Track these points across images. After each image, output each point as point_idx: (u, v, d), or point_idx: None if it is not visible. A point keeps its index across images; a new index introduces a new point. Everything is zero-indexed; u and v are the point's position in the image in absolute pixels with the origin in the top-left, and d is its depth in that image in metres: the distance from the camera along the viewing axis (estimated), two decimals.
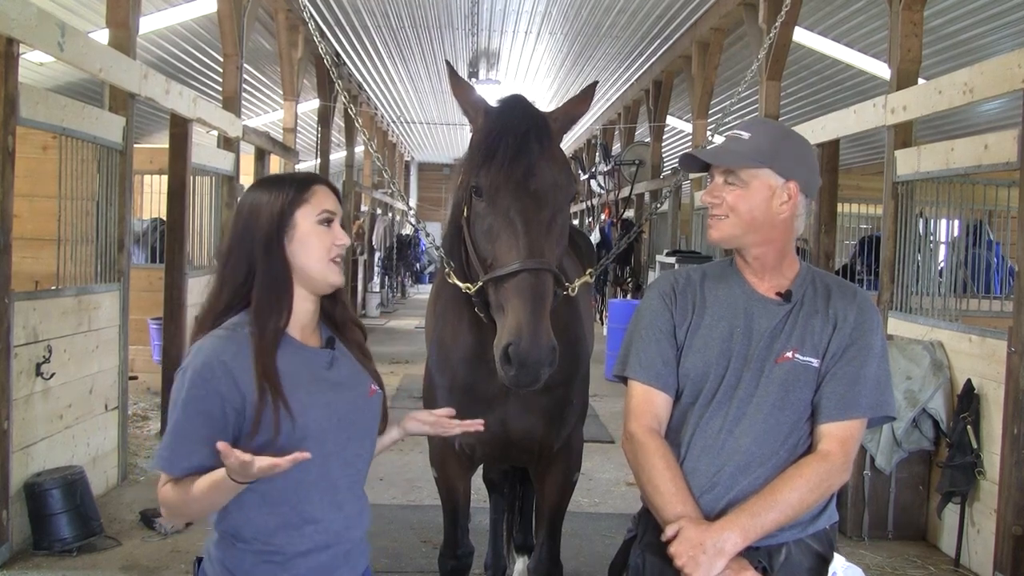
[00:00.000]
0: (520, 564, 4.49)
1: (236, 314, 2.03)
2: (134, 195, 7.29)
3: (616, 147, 18.71)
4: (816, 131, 7.07)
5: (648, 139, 15.55)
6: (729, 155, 2.20)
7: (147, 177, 9.14)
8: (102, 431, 5.87)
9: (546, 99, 17.16)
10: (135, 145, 6.46)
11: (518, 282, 2.45)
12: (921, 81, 6.17)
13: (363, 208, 19.44)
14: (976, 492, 4.99)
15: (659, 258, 12.04)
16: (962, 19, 9.35)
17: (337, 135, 18.14)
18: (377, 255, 20.40)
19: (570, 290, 2.85)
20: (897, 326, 5.90)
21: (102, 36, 6.52)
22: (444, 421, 2.37)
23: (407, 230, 25.30)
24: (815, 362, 2.17)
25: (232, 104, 8.96)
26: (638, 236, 14.96)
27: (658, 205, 6.64)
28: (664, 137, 16.15)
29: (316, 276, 2.04)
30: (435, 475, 3.44)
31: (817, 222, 7.24)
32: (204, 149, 8.12)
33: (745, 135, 2.21)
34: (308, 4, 10.98)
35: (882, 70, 10.19)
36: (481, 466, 3.85)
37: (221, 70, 9.63)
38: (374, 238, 19.84)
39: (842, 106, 7.63)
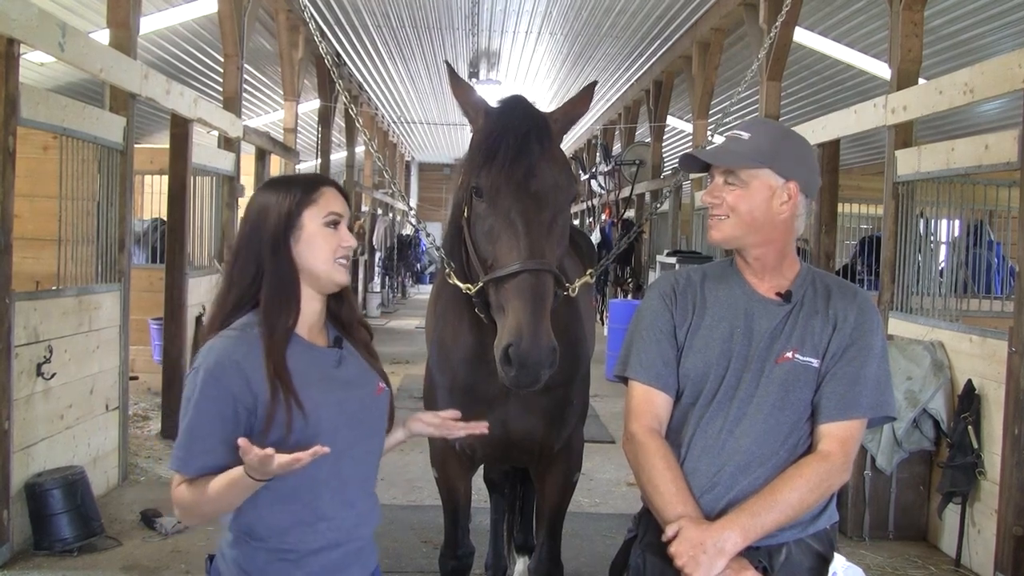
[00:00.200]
0: (521, 564, 4.49)
1: (245, 314, 2.05)
2: (135, 195, 7.29)
3: (617, 147, 18.71)
4: (816, 131, 7.07)
5: (648, 139, 15.55)
6: (729, 155, 2.20)
7: (148, 177, 9.14)
8: (103, 431, 5.88)
9: (546, 99, 17.16)
10: (136, 145, 6.47)
11: (518, 283, 2.45)
12: (921, 81, 6.17)
13: (364, 208, 19.45)
14: (977, 492, 4.99)
15: (660, 258, 12.04)
16: (963, 19, 9.35)
17: (338, 135, 18.14)
18: (378, 255, 20.40)
19: (571, 290, 2.84)
20: (898, 326, 5.90)
21: (103, 36, 6.53)
22: (449, 423, 2.37)
23: (408, 230, 25.31)
24: (815, 362, 2.17)
25: (233, 104, 8.96)
26: (639, 236, 14.96)
27: (658, 205, 6.64)
28: (664, 137, 16.15)
29: (322, 276, 2.06)
30: (436, 475, 3.44)
31: (817, 222, 7.23)
32: (205, 149, 8.13)
33: (745, 135, 2.21)
34: (308, 4, 10.99)
35: (882, 70, 10.19)
36: (482, 466, 3.85)
37: (222, 70, 9.63)
38: (375, 238, 19.85)
39: (842, 106, 7.63)
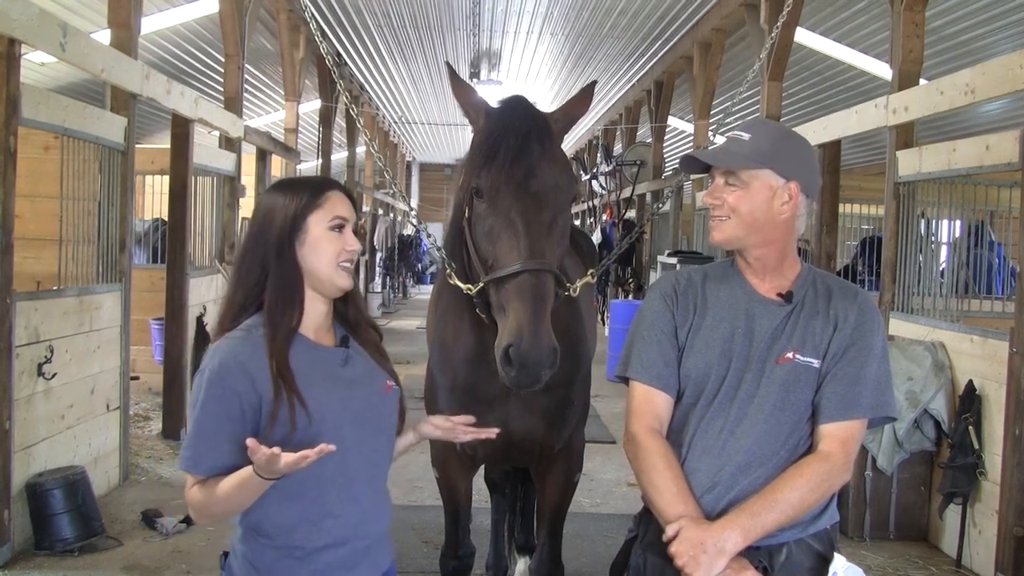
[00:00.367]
0: (521, 564, 4.49)
1: (252, 316, 2.08)
2: (135, 195, 7.30)
3: (618, 147, 18.72)
4: (818, 132, 7.07)
5: (649, 140, 15.55)
6: (729, 156, 2.20)
7: (149, 177, 9.14)
8: (103, 431, 5.88)
9: (547, 100, 17.16)
10: (136, 145, 6.47)
11: (519, 283, 2.45)
12: (923, 82, 6.17)
13: (365, 209, 19.45)
14: (977, 493, 4.99)
15: (660, 259, 12.04)
16: (964, 20, 9.34)
17: (338, 135, 18.15)
18: (379, 255, 20.40)
19: (572, 290, 2.84)
20: (898, 327, 5.89)
21: (104, 36, 6.52)
22: (458, 427, 2.37)
23: (408, 231, 25.31)
24: (816, 363, 2.17)
25: (234, 104, 8.96)
26: (639, 236, 14.96)
27: (659, 206, 6.65)
28: (665, 138, 16.16)
29: (325, 280, 2.08)
30: (436, 475, 3.44)
31: (819, 223, 7.23)
32: (205, 149, 8.13)
33: (745, 136, 2.21)
34: (309, 4, 11.00)
35: (884, 71, 10.18)
36: (482, 467, 3.85)
37: (223, 70, 9.64)
38: (375, 239, 19.84)
39: (844, 107, 7.63)
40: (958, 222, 7.38)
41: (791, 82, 12.19)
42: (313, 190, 2.10)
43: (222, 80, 10.07)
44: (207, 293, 8.07)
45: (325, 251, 2.06)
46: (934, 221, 6.53)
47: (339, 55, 14.40)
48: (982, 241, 8.06)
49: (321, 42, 5.21)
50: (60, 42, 4.94)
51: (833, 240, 7.33)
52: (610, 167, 16.81)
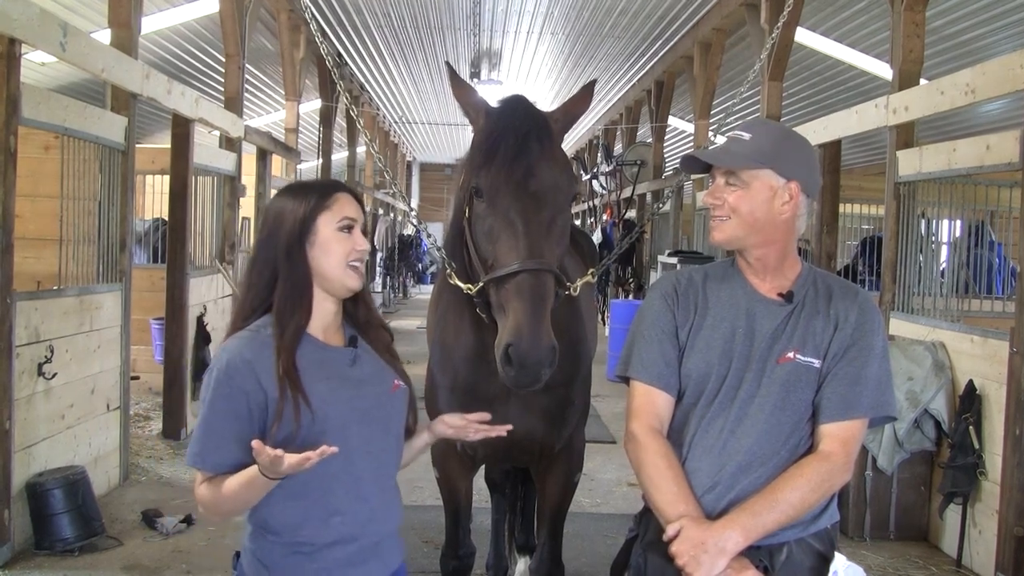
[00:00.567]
0: (522, 564, 4.49)
1: (261, 317, 2.12)
2: (136, 195, 7.30)
3: (618, 147, 18.71)
4: (818, 131, 7.07)
5: (650, 139, 15.55)
6: (730, 156, 2.20)
7: (149, 177, 9.14)
8: (104, 431, 5.88)
9: (548, 99, 17.16)
10: (137, 145, 6.47)
11: (518, 283, 2.45)
12: (923, 82, 6.17)
13: (365, 208, 19.44)
14: (978, 493, 4.99)
15: (661, 259, 12.04)
16: (964, 20, 9.34)
17: (339, 135, 18.15)
18: (379, 255, 20.39)
19: (572, 290, 2.84)
20: (899, 327, 5.89)
21: (104, 36, 6.53)
22: (472, 426, 2.38)
23: (409, 230, 25.31)
24: (816, 363, 2.17)
25: (234, 104, 8.96)
26: (640, 236, 14.96)
27: (660, 206, 6.65)
28: (666, 137, 16.16)
29: (335, 280, 2.12)
30: (437, 475, 3.44)
31: (819, 222, 7.23)
32: (206, 149, 8.13)
33: (746, 136, 2.21)
34: (310, 4, 10.99)
35: (884, 71, 10.18)
36: (483, 466, 3.85)
37: (223, 70, 9.63)
38: (376, 239, 19.84)
39: (844, 107, 7.62)
40: (958, 222, 7.37)
41: (791, 82, 12.19)
42: (321, 193, 2.14)
43: (222, 80, 10.07)
44: (207, 293, 8.06)
45: (335, 252, 2.10)
46: (934, 221, 6.53)
47: (339, 55, 14.40)
48: (982, 241, 8.06)
49: (321, 42, 5.21)
50: (60, 42, 4.94)
51: (833, 240, 7.33)
52: (610, 167, 16.81)
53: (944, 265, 7.18)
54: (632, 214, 15.96)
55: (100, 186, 5.91)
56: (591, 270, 3.28)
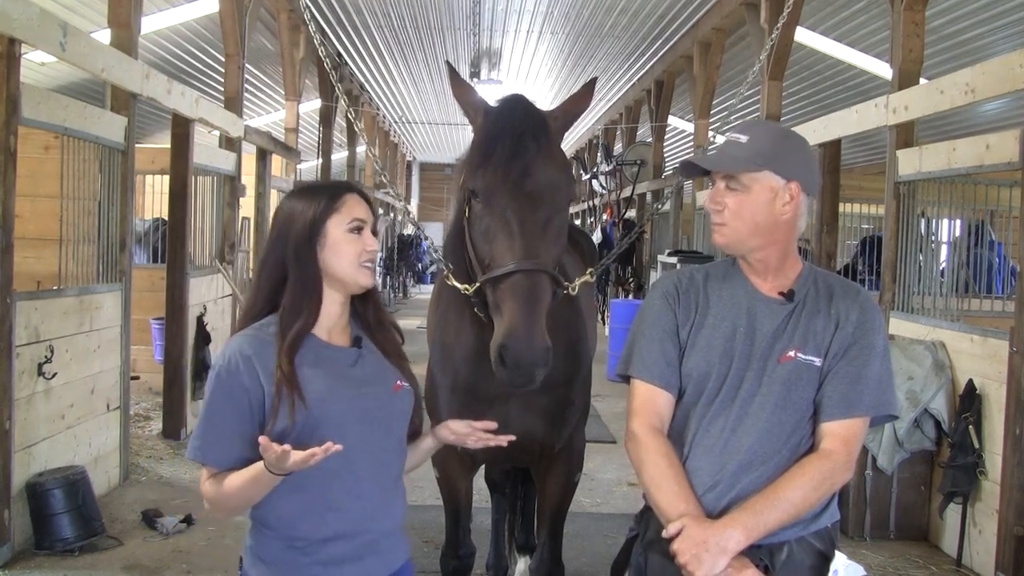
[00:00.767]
0: (522, 564, 4.49)
1: (267, 316, 2.15)
2: (136, 195, 7.30)
3: (618, 147, 18.71)
4: (818, 131, 7.07)
5: (650, 139, 15.55)
6: (728, 160, 2.19)
7: (149, 177, 9.14)
8: (104, 431, 5.88)
9: (548, 99, 17.15)
10: (137, 145, 6.47)
11: (512, 283, 2.45)
12: (923, 81, 6.17)
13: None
14: (978, 492, 4.99)
15: (661, 258, 12.04)
16: (964, 19, 9.34)
17: (339, 135, 18.15)
18: (379, 255, 20.37)
19: (571, 289, 2.83)
20: (899, 326, 5.89)
21: (104, 36, 6.53)
22: (476, 433, 2.37)
23: (409, 230, 25.30)
24: (817, 361, 2.17)
25: (234, 104, 8.96)
26: (640, 236, 14.96)
27: (659, 206, 6.65)
28: (666, 137, 16.16)
29: (347, 280, 2.14)
30: (437, 475, 3.43)
31: (819, 222, 7.23)
32: (206, 149, 8.13)
33: (743, 138, 2.20)
34: (310, 4, 10.99)
35: (884, 70, 10.18)
36: (483, 466, 3.85)
37: (223, 70, 9.63)
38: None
39: (844, 106, 7.62)
40: (958, 221, 7.37)
41: (791, 82, 12.19)
42: (331, 194, 2.15)
43: (222, 80, 10.07)
44: (207, 293, 8.06)
45: (345, 253, 2.12)
46: (934, 220, 6.52)
47: (339, 55, 14.40)
48: (982, 240, 8.06)
49: (320, 46, 5.19)
50: (60, 42, 4.94)
51: (833, 240, 7.33)
52: (610, 167, 16.81)
53: (944, 265, 7.18)
54: (632, 214, 15.96)
55: (100, 186, 5.91)
56: (589, 270, 3.27)
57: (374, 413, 2.14)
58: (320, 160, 14.97)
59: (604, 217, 18.03)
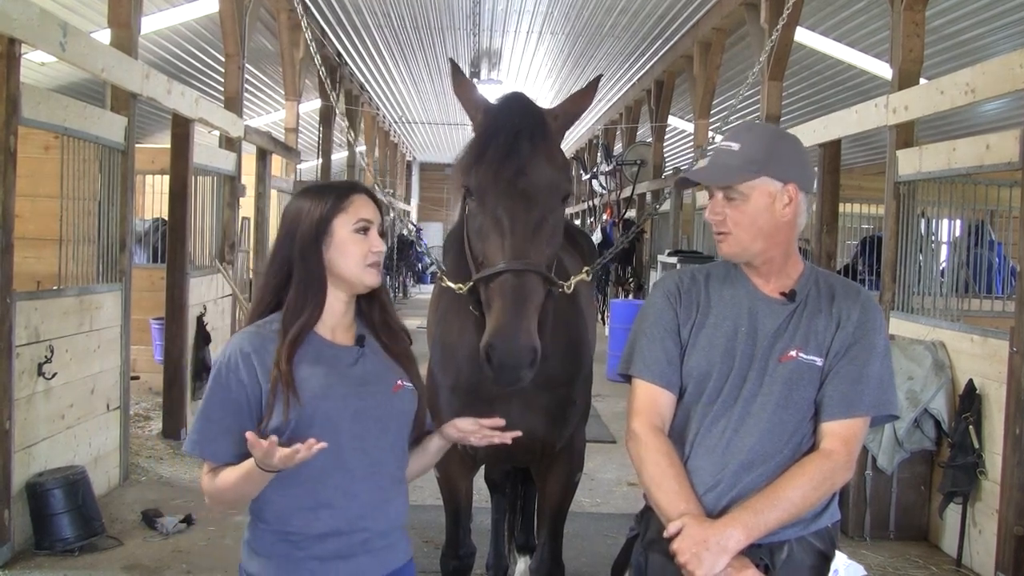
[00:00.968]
0: (522, 564, 4.49)
1: (273, 313, 2.18)
2: (136, 195, 7.30)
3: (618, 147, 18.71)
4: (818, 131, 7.07)
5: (650, 139, 15.55)
6: (722, 171, 2.18)
7: (149, 177, 9.13)
8: (104, 431, 5.88)
9: (548, 99, 17.15)
10: (137, 145, 6.47)
11: (500, 283, 2.44)
12: (923, 81, 6.17)
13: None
14: (978, 492, 4.99)
15: (661, 258, 12.04)
16: (964, 19, 9.34)
17: (339, 135, 18.15)
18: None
19: (566, 287, 2.82)
20: (899, 326, 5.89)
21: (104, 36, 6.52)
22: (484, 430, 2.34)
23: (408, 230, 25.30)
24: (819, 361, 2.17)
25: (234, 104, 8.96)
26: (640, 236, 14.96)
27: (657, 206, 6.65)
28: (666, 137, 16.16)
29: (353, 280, 2.15)
30: (437, 475, 3.43)
31: (819, 222, 7.23)
32: (206, 149, 8.13)
33: (735, 146, 2.19)
34: (309, 5, 10.99)
35: (884, 70, 10.18)
36: (483, 466, 3.85)
37: (223, 70, 9.63)
38: None
39: (844, 106, 7.62)
40: (958, 221, 7.37)
41: (791, 82, 12.19)
42: (338, 194, 2.16)
43: (222, 80, 10.06)
44: (207, 293, 8.06)
45: (352, 253, 2.13)
46: (934, 220, 6.52)
47: (339, 55, 14.40)
48: (982, 240, 8.05)
49: (315, 54, 5.22)
50: (60, 42, 4.94)
51: (833, 240, 7.33)
52: (610, 167, 16.81)
53: (944, 265, 7.18)
54: (632, 214, 15.96)
55: (100, 186, 5.91)
56: (585, 268, 3.26)
57: (371, 412, 2.15)
58: (320, 160, 14.97)
59: (604, 217, 18.03)
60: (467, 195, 2.65)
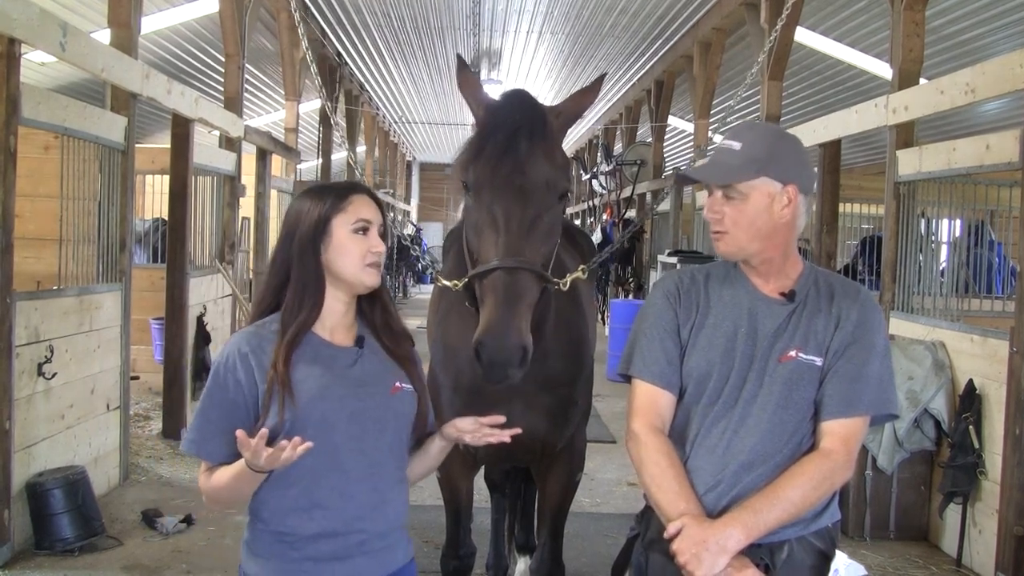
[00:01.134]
0: (522, 564, 4.49)
1: (274, 313, 2.19)
2: (136, 195, 7.30)
3: (618, 147, 18.72)
4: (818, 131, 7.07)
5: (650, 139, 15.55)
6: (723, 170, 2.17)
7: (149, 177, 9.14)
8: (104, 431, 5.88)
9: (548, 99, 17.10)
10: (137, 145, 6.47)
11: (492, 280, 2.43)
12: (923, 81, 6.17)
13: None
14: (978, 492, 4.99)
15: (661, 258, 12.04)
16: (964, 19, 9.34)
17: (339, 135, 18.15)
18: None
19: (561, 285, 2.81)
20: (899, 326, 5.89)
21: (104, 36, 6.52)
22: (484, 429, 2.32)
23: (409, 230, 25.30)
24: (818, 361, 2.16)
25: (234, 104, 8.96)
26: (639, 236, 14.96)
27: (655, 205, 6.65)
28: (666, 137, 16.17)
29: (352, 280, 2.15)
30: (438, 475, 3.42)
31: (819, 222, 7.24)
32: (206, 149, 8.13)
33: (736, 145, 2.18)
34: (310, 5, 10.99)
35: (884, 70, 10.18)
36: (483, 466, 3.84)
37: (223, 70, 9.63)
38: None
39: (844, 106, 7.62)
40: (958, 221, 7.37)
41: (791, 81, 12.19)
42: (338, 195, 2.16)
43: (222, 80, 10.06)
44: (207, 293, 8.06)
45: (350, 253, 2.12)
46: (934, 220, 6.52)
47: (339, 55, 14.40)
48: (982, 240, 8.06)
49: (312, 60, 5.22)
50: (60, 42, 4.94)
51: (833, 240, 7.34)
52: (610, 167, 16.81)
53: (944, 265, 7.18)
54: (632, 214, 15.96)
55: (100, 186, 5.91)
56: (581, 266, 3.24)
57: (369, 413, 2.14)
58: (320, 160, 14.97)
59: (604, 217, 18.03)
60: (465, 191, 2.64)
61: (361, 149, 20.22)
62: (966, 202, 6.65)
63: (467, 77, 2.86)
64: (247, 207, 10.00)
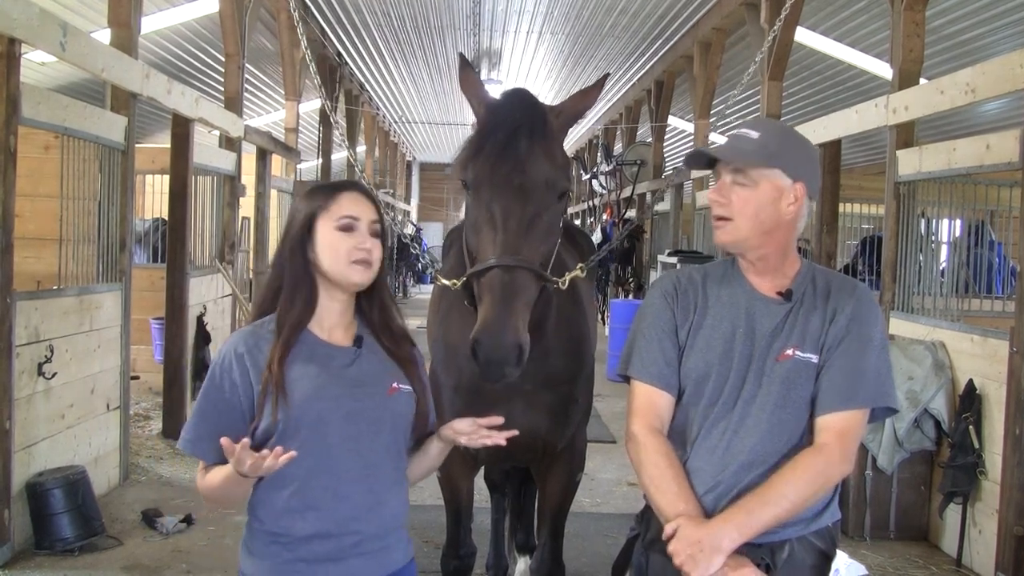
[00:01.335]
0: (522, 564, 4.49)
1: (272, 314, 2.20)
2: (136, 195, 7.30)
3: (618, 147, 18.72)
4: (818, 131, 7.07)
5: (650, 139, 15.55)
6: (741, 154, 2.16)
7: (149, 177, 9.13)
8: (104, 431, 5.88)
9: (548, 99, 17.06)
10: (137, 145, 6.47)
11: (489, 278, 2.43)
12: (923, 81, 6.17)
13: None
14: (978, 492, 4.99)
15: (661, 258, 12.04)
16: (964, 19, 9.34)
17: (339, 135, 18.15)
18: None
19: (560, 284, 2.81)
20: (899, 326, 5.89)
21: (104, 36, 6.53)
22: (481, 430, 2.30)
23: (409, 230, 25.30)
24: (815, 358, 2.16)
25: (234, 104, 8.96)
26: (639, 236, 14.96)
27: (653, 205, 6.64)
28: (666, 137, 16.16)
29: (339, 279, 2.14)
30: (438, 475, 3.42)
31: (819, 222, 7.23)
32: (206, 149, 8.13)
33: (754, 134, 2.17)
34: (310, 5, 10.99)
35: (884, 70, 10.18)
36: (483, 466, 3.84)
37: (223, 70, 9.63)
38: None
39: (844, 106, 7.62)
40: (958, 221, 7.37)
41: (791, 82, 12.19)
42: (326, 194, 2.17)
43: (222, 80, 10.07)
44: (207, 293, 8.06)
45: (334, 250, 2.12)
46: (934, 220, 6.52)
47: (339, 55, 14.40)
48: (982, 240, 8.05)
49: (311, 62, 5.21)
50: (60, 42, 4.94)
51: (833, 240, 7.34)
52: (610, 166, 16.81)
53: (944, 265, 7.18)
54: (632, 214, 15.97)
55: (100, 186, 5.91)
56: (580, 265, 3.24)
57: (365, 414, 2.13)
58: (320, 160, 14.97)
59: (604, 217, 18.03)
60: (465, 190, 2.65)
61: (361, 149, 20.22)
62: (966, 202, 6.65)
63: (469, 76, 2.85)
64: (247, 207, 10.00)
